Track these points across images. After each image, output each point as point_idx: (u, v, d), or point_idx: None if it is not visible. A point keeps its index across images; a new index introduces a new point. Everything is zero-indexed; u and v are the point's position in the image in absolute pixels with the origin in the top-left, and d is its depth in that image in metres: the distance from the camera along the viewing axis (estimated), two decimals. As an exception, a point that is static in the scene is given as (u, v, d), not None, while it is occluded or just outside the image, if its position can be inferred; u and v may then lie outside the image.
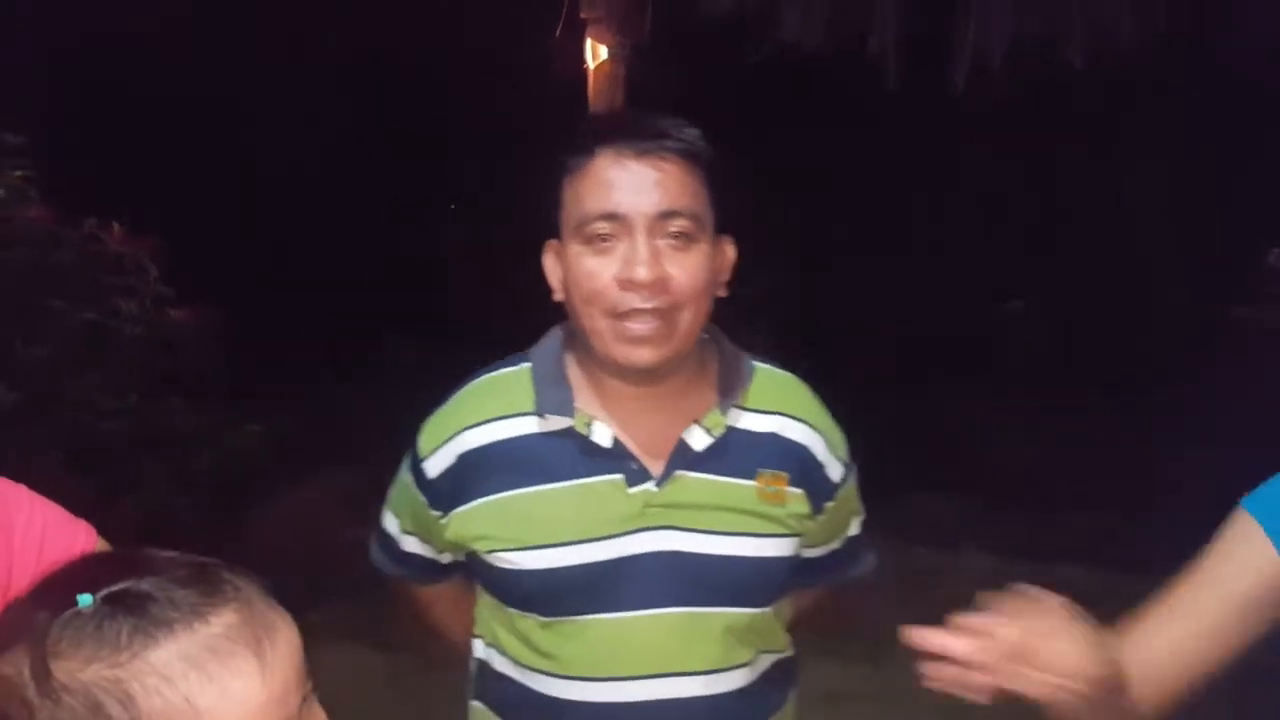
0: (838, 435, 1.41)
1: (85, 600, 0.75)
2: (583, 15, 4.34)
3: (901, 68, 4.00)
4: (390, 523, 1.46)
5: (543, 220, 1.31)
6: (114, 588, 0.76)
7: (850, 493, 1.43)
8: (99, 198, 4.35)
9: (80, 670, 0.73)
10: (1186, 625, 1.09)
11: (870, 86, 4.18)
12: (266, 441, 4.37)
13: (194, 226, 5.70)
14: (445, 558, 1.43)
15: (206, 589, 0.78)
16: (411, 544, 1.45)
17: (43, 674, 0.73)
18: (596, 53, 4.35)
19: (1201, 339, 6.62)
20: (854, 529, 1.48)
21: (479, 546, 1.32)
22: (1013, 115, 6.58)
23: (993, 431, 6.43)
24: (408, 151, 8.43)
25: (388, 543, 1.48)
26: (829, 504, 1.38)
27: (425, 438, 1.36)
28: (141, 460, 3.92)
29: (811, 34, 3.97)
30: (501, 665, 1.38)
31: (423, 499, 1.36)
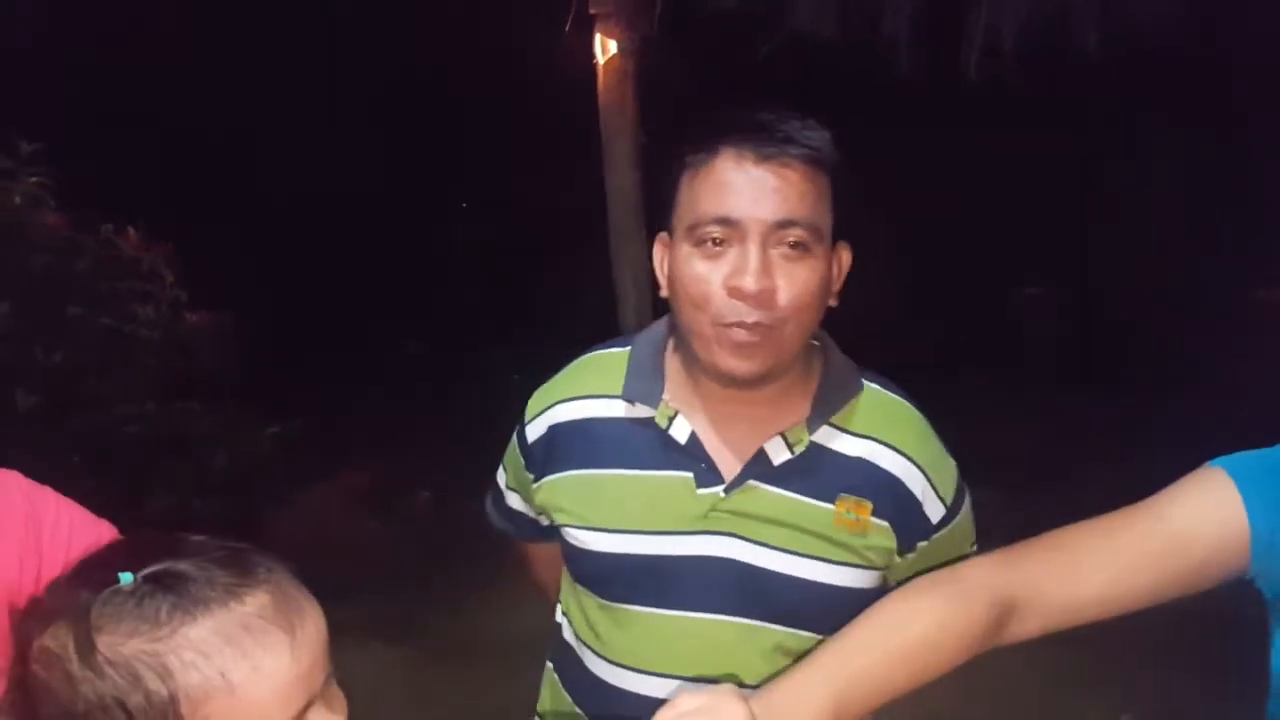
0: (945, 473, 1.32)
1: (127, 578, 0.80)
2: (591, 10, 4.32)
3: (914, 55, 3.98)
4: (501, 477, 1.52)
5: (659, 212, 1.28)
6: (154, 567, 0.81)
7: (954, 535, 1.33)
8: (114, 203, 4.38)
9: (121, 644, 0.77)
10: (1131, 563, 1.05)
11: (883, 75, 4.16)
12: (282, 443, 4.39)
13: (208, 231, 5.73)
14: (544, 520, 1.45)
15: (241, 571, 0.83)
16: (514, 500, 1.50)
17: (87, 647, 0.77)
18: (606, 48, 4.34)
19: (1227, 324, 6.56)
20: None
21: (557, 518, 1.35)
22: (1027, 100, 6.53)
23: (1015, 421, 6.40)
24: (418, 152, 8.45)
25: (497, 496, 1.54)
26: (923, 544, 1.30)
27: (531, 404, 1.41)
28: (159, 463, 3.94)
29: (823, 23, 3.95)
30: (567, 635, 1.42)
31: (522, 461, 1.41)
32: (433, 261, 8.23)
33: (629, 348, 1.36)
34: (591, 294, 4.77)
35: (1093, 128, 7.54)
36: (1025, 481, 5.59)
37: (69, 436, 3.62)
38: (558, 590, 1.51)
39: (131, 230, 4.31)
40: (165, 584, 0.80)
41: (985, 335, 7.56)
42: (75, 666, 0.77)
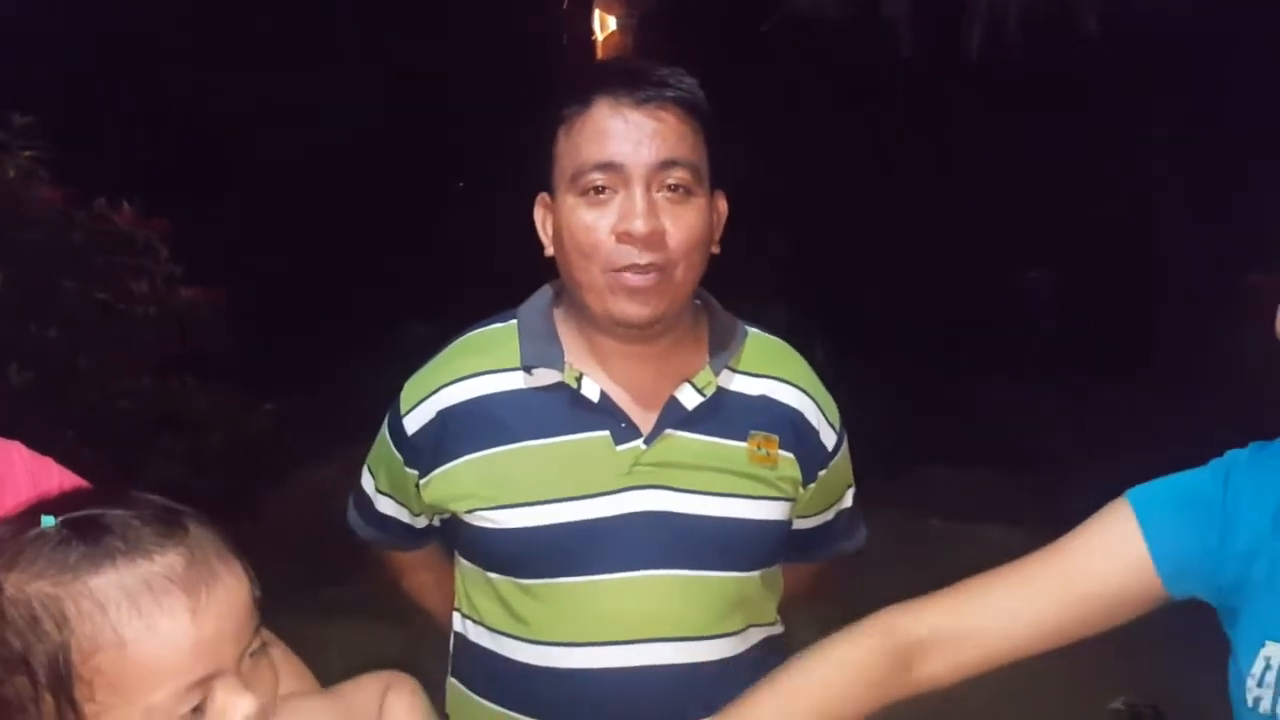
0: (831, 402, 1.39)
1: (48, 521, 0.80)
2: (591, -14, 4.30)
3: (915, 35, 3.96)
4: (367, 482, 1.44)
5: (534, 173, 1.28)
6: (77, 514, 0.81)
7: (844, 461, 1.40)
8: (108, 178, 4.35)
9: (27, 584, 0.78)
10: (1037, 601, 1.06)
11: (884, 54, 4.14)
12: (279, 421, 4.37)
13: (204, 206, 5.70)
14: (420, 522, 1.41)
15: (163, 530, 0.82)
16: (386, 505, 1.42)
17: None
18: (605, 24, 4.32)
19: (1222, 310, 6.56)
20: (848, 501, 1.46)
21: (458, 507, 1.29)
22: (1027, 83, 6.51)
23: (1011, 404, 6.41)
24: (418, 129, 8.41)
25: (364, 503, 1.46)
26: (822, 472, 1.35)
27: (406, 394, 1.34)
28: (155, 440, 3.93)
29: (824, 2, 3.94)
30: (478, 636, 1.34)
31: (399, 457, 1.34)
32: (432, 241, 8.20)
33: (513, 321, 1.33)
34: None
35: (1093, 110, 7.51)
36: (1026, 464, 5.60)
37: (62, 412, 3.60)
38: (438, 602, 1.46)
39: (126, 205, 4.28)
40: (83, 532, 0.80)
41: (985, 319, 7.56)
42: None
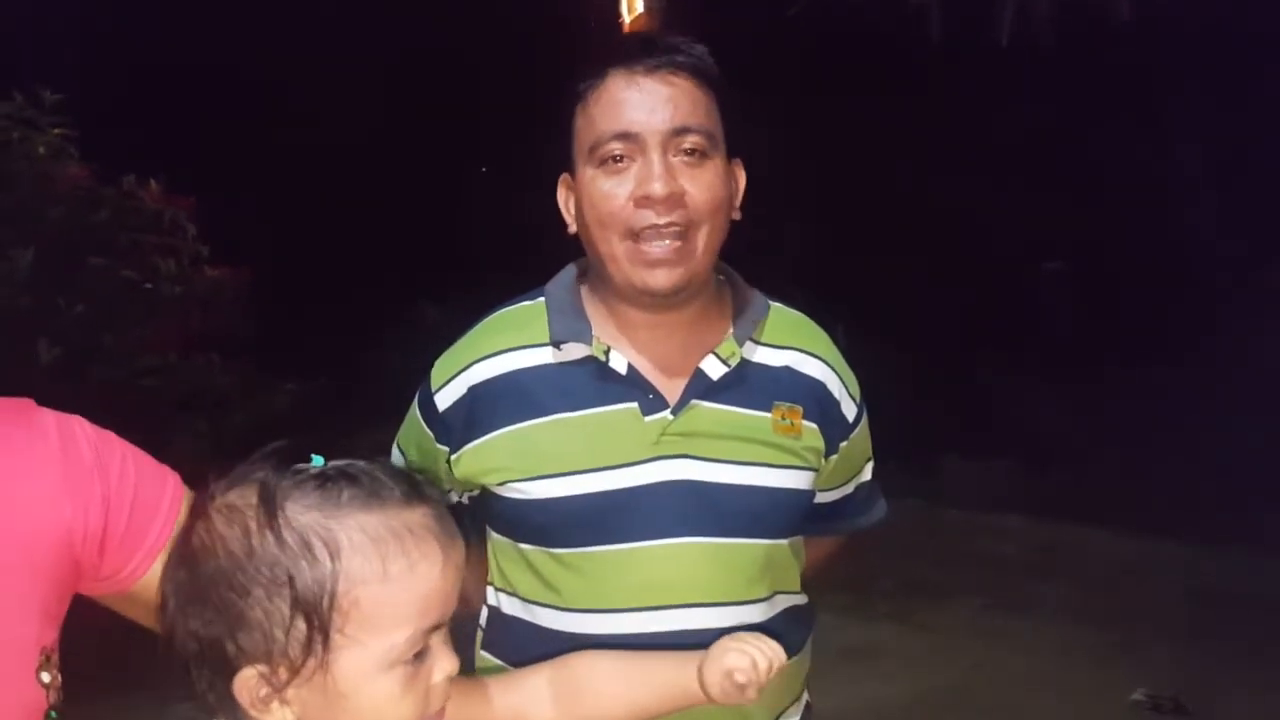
0: (851, 375, 1.40)
1: (318, 460, 0.88)
2: (617, -31, 4.27)
3: (945, 19, 3.91)
4: (396, 460, 1.46)
5: (556, 155, 1.29)
6: (339, 461, 0.89)
7: (864, 434, 1.42)
8: (137, 156, 4.37)
9: (301, 514, 0.84)
10: None
11: (913, 38, 4.10)
12: (301, 400, 4.39)
13: (231, 187, 5.73)
14: (453, 497, 1.42)
15: (411, 490, 0.89)
16: None
17: (271, 509, 0.84)
18: (632, 7, 4.30)
19: (1244, 305, 6.48)
20: (867, 474, 1.47)
21: (490, 480, 1.31)
22: (1058, 69, 6.42)
23: (1031, 397, 6.37)
24: (440, 114, 8.42)
25: None
26: (844, 444, 1.37)
27: (437, 371, 1.36)
28: (178, 417, 3.96)
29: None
30: (511, 608, 1.37)
31: (430, 433, 1.36)
32: (453, 225, 8.22)
33: (540, 299, 1.36)
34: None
35: (1126, 96, 7.41)
36: (1045, 456, 5.57)
37: (88, 388, 3.63)
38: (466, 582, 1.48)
39: (153, 183, 4.30)
40: (348, 475, 0.86)
41: (1005, 309, 7.50)
42: (255, 525, 0.83)
